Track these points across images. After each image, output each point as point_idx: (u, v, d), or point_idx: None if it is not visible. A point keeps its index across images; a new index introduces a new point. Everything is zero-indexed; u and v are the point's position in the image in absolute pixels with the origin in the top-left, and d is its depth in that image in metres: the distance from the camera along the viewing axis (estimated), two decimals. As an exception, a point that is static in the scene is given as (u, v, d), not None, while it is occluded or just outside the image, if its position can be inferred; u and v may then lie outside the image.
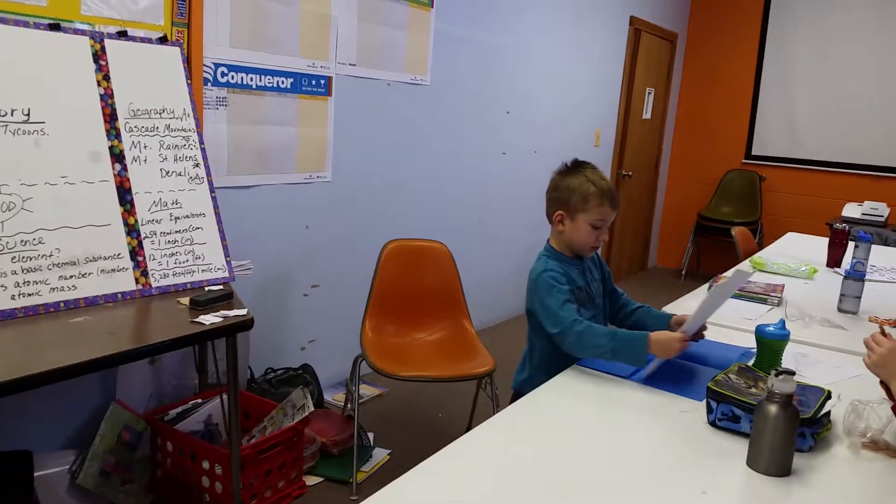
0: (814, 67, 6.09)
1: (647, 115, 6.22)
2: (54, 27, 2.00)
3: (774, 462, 1.25)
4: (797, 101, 6.21)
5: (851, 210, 5.28)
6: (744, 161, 6.51)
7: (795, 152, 6.28)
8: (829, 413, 1.41)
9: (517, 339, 4.16)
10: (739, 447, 1.33)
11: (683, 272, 6.55)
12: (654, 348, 1.63)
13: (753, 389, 1.45)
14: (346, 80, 3.24)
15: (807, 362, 1.88)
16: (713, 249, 6.54)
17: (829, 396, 1.44)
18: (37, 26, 1.96)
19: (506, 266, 4.70)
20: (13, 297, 1.80)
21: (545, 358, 1.85)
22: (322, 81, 3.11)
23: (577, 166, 1.89)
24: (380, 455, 2.83)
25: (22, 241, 1.83)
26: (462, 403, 3.20)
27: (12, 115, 1.86)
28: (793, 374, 1.26)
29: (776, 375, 1.25)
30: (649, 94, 6.17)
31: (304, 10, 2.97)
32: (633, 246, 6.50)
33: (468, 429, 3.03)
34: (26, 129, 1.88)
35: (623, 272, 6.28)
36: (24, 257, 1.83)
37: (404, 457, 2.83)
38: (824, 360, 1.92)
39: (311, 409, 2.46)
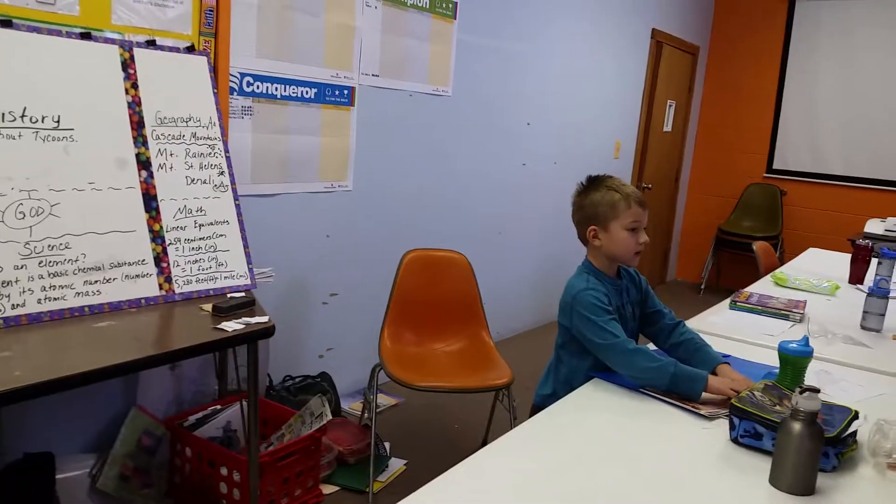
0: (836, 82, 6.05)
1: (667, 127, 6.20)
2: (85, 36, 2.03)
3: (798, 481, 1.24)
4: (819, 115, 6.16)
5: (874, 226, 5.20)
6: (765, 175, 6.46)
7: (817, 167, 6.23)
8: (855, 433, 1.39)
9: (535, 351, 4.16)
10: (762, 465, 1.31)
11: (703, 286, 6.50)
12: (710, 388, 1.62)
13: (778, 407, 1.44)
14: (368, 91, 3.26)
15: (830, 380, 1.86)
16: (733, 263, 6.49)
17: (856, 417, 1.42)
18: (69, 35, 2.00)
19: (525, 277, 4.69)
20: (39, 301, 1.82)
21: (572, 374, 1.83)
22: (345, 92, 3.14)
23: (594, 181, 1.87)
24: (396, 465, 2.83)
25: (49, 245, 1.86)
26: (479, 415, 3.19)
27: (43, 121, 1.89)
28: (817, 391, 1.25)
29: (801, 393, 1.24)
30: (670, 106, 6.15)
31: (329, 21, 3.00)
32: (653, 258, 6.47)
33: (484, 441, 3.04)
34: (56, 136, 1.91)
35: (641, 285, 6.25)
36: (50, 262, 1.86)
37: (420, 468, 2.83)
38: (848, 379, 1.90)
39: (329, 417, 2.46)
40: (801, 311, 2.48)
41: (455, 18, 3.67)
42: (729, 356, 1.91)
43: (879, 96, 5.86)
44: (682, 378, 1.62)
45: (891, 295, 2.46)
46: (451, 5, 3.62)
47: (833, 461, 1.33)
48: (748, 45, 6.44)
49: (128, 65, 2.10)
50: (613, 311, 1.78)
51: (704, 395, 1.63)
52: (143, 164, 2.09)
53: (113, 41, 2.10)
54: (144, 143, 2.10)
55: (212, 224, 2.22)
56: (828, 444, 1.29)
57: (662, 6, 5.71)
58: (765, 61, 6.35)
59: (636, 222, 1.81)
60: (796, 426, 1.23)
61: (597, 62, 5.01)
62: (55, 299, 1.85)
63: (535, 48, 4.34)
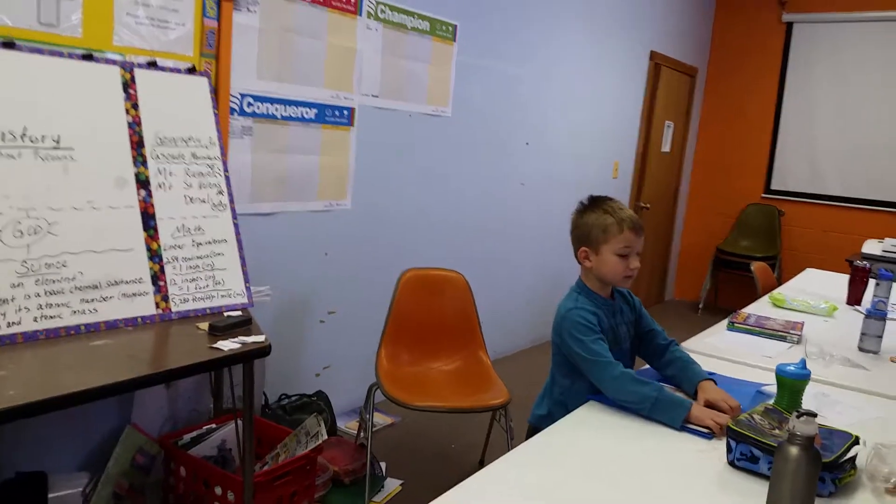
0: (834, 103, 6.09)
1: (665, 148, 6.23)
2: (87, 57, 2.05)
3: (795, 506, 1.23)
4: (817, 136, 6.19)
5: (872, 247, 5.21)
6: (763, 195, 6.48)
7: (815, 187, 6.26)
8: (854, 459, 1.38)
9: (532, 371, 4.14)
10: (759, 489, 1.31)
11: (701, 306, 6.50)
12: (692, 418, 1.60)
13: (777, 430, 1.43)
14: (368, 111, 3.28)
15: (827, 402, 1.85)
16: (731, 283, 6.49)
17: (856, 442, 1.41)
18: (71, 56, 2.01)
19: (522, 296, 4.69)
20: (35, 320, 1.82)
21: (566, 394, 1.84)
22: (345, 112, 3.16)
23: (593, 202, 1.88)
24: (392, 485, 2.81)
25: (46, 264, 1.86)
26: (475, 434, 3.18)
27: (43, 141, 1.90)
28: (815, 415, 1.24)
29: (798, 417, 1.23)
30: (668, 127, 6.19)
31: (330, 43, 3.03)
32: (651, 278, 6.47)
33: (482, 461, 3.02)
34: (56, 156, 1.92)
35: (640, 305, 6.24)
36: (47, 280, 1.86)
37: (417, 488, 2.81)
38: (845, 401, 1.89)
39: (325, 437, 2.45)
40: (799, 333, 2.48)
41: (455, 41, 3.71)
42: (714, 374, 1.91)
43: (876, 117, 5.90)
44: (664, 404, 1.61)
45: (888, 316, 2.45)
46: (450, 28, 3.66)
47: (830, 486, 1.32)
48: (746, 66, 6.49)
49: (128, 85, 2.11)
50: (600, 332, 1.78)
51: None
52: (143, 183, 2.10)
53: (114, 62, 2.11)
54: (144, 163, 2.11)
55: (210, 243, 2.22)
56: (825, 469, 1.28)
57: (661, 28, 5.76)
58: (762, 82, 6.40)
59: (627, 248, 1.81)
60: (793, 451, 1.22)
61: (595, 83, 5.05)
62: (51, 317, 1.85)
63: (534, 70, 4.38)
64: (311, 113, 3.00)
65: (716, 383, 1.77)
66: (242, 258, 2.29)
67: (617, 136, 5.49)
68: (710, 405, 1.66)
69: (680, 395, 1.74)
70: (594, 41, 4.93)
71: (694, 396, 1.75)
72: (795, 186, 6.34)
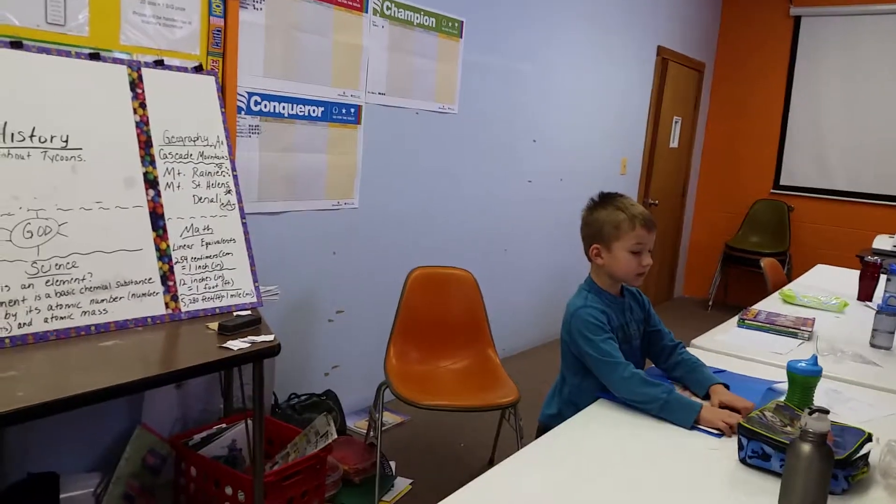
0: (842, 97, 6.05)
1: (674, 143, 6.20)
2: (94, 56, 2.05)
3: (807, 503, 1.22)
4: (826, 130, 6.15)
5: (882, 242, 5.17)
6: (772, 191, 6.45)
7: (824, 182, 6.22)
8: (866, 456, 1.37)
9: (542, 369, 4.14)
10: (771, 487, 1.30)
11: (710, 302, 6.47)
12: (702, 420, 1.59)
13: (789, 428, 1.42)
14: (375, 109, 3.28)
15: (839, 399, 1.84)
16: (741, 280, 6.46)
17: (868, 439, 1.40)
18: (78, 56, 2.01)
19: (531, 294, 4.68)
20: (46, 321, 1.82)
21: (575, 393, 1.83)
22: (352, 110, 3.16)
23: (604, 199, 1.86)
24: (401, 485, 2.81)
25: (56, 264, 1.87)
26: (485, 433, 3.17)
27: (51, 141, 1.90)
28: (827, 412, 1.23)
29: (810, 413, 1.22)
30: (676, 122, 6.16)
31: (336, 40, 3.02)
32: (660, 275, 6.44)
33: (491, 460, 3.02)
34: (64, 156, 1.92)
35: (648, 302, 6.22)
36: (57, 281, 1.86)
37: (426, 487, 2.81)
38: (858, 398, 1.87)
39: (335, 436, 2.45)
40: (810, 329, 2.46)
41: (461, 37, 3.70)
42: (724, 371, 1.89)
43: (886, 111, 5.86)
44: (674, 406, 1.60)
45: (900, 312, 2.43)
46: (456, 24, 3.65)
47: (843, 484, 1.31)
48: (754, 61, 6.45)
49: (136, 84, 2.12)
50: (610, 331, 1.77)
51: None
52: (151, 183, 2.10)
53: (121, 61, 2.11)
54: (152, 163, 2.12)
55: (218, 242, 2.23)
56: (838, 466, 1.27)
57: (668, 23, 5.73)
58: (771, 77, 6.36)
59: (640, 244, 1.80)
60: (805, 448, 1.21)
61: (602, 79, 5.03)
62: (62, 318, 1.85)
63: (540, 66, 4.36)
64: (318, 111, 3.00)
65: (728, 388, 1.75)
66: (251, 257, 2.29)
67: (624, 132, 5.46)
68: (723, 406, 1.66)
69: (688, 396, 1.72)
70: (601, 37, 4.91)
71: (704, 399, 1.74)
72: (804, 182, 6.30)
